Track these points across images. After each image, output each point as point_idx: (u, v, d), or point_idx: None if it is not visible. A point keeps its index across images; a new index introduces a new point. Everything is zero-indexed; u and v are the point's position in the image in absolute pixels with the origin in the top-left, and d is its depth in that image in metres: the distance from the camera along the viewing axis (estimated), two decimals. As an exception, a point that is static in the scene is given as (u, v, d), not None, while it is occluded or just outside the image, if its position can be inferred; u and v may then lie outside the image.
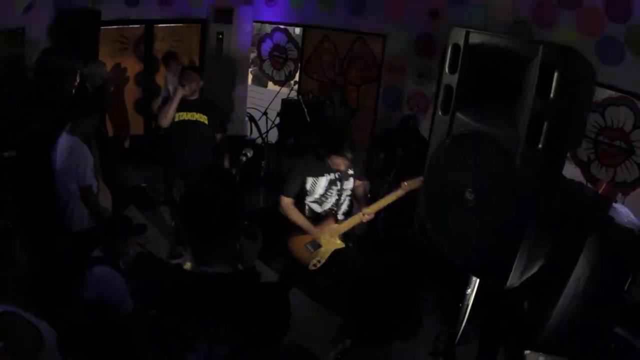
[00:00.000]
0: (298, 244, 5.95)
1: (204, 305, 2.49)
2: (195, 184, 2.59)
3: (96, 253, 5.00)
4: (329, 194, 5.85)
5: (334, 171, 5.74)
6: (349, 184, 5.89)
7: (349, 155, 5.55)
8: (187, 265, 2.57)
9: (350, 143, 5.61)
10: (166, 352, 2.54)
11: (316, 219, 5.91)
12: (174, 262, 6.34)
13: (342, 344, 3.34)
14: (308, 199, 5.90)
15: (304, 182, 5.81)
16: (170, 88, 9.44)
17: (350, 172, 5.84)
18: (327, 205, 5.90)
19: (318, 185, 5.80)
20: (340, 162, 5.60)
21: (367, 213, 5.82)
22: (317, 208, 5.94)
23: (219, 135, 7.10)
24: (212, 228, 2.53)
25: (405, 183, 5.77)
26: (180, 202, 2.55)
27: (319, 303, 6.82)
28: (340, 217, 5.96)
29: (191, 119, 6.89)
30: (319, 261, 5.91)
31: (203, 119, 6.91)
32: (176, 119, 6.83)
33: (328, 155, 5.59)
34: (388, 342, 2.60)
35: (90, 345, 3.77)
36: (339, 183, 5.79)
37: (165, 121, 6.83)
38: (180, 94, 6.74)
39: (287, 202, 5.82)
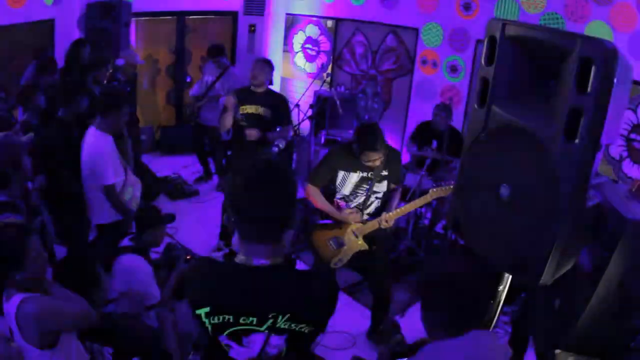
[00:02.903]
0: (321, 239, 5.89)
1: (259, 298, 2.49)
2: (247, 175, 2.53)
3: (124, 242, 5.04)
4: (358, 192, 5.74)
5: (368, 169, 5.62)
6: (381, 186, 5.75)
7: (381, 151, 5.42)
8: (239, 259, 2.55)
9: (382, 139, 5.49)
10: (220, 349, 2.55)
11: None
12: (215, 254, 6.36)
13: (392, 339, 3.35)
14: (337, 196, 5.81)
15: (334, 175, 5.70)
16: (207, 78, 9.46)
17: (384, 173, 5.69)
18: (353, 204, 5.80)
19: (348, 180, 5.69)
20: (374, 158, 5.45)
21: (387, 219, 5.67)
22: (343, 206, 5.85)
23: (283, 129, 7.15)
24: (266, 219, 2.51)
25: (433, 190, 5.70)
26: (233, 195, 2.52)
27: (347, 294, 6.83)
28: (365, 216, 5.83)
29: (254, 112, 6.94)
30: (340, 260, 5.83)
31: (265, 112, 6.96)
32: (241, 112, 6.88)
33: (360, 153, 5.46)
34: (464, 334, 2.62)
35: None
36: (370, 183, 5.67)
37: (224, 128, 6.86)
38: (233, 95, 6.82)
39: (313, 189, 5.71)
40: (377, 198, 5.79)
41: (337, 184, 5.74)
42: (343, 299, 6.60)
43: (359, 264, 5.97)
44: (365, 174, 5.65)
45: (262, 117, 6.97)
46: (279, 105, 7.15)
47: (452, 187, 5.42)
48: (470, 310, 2.66)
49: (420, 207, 5.79)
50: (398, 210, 5.72)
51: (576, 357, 3.45)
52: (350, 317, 6.27)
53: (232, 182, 2.51)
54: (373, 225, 5.73)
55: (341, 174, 5.69)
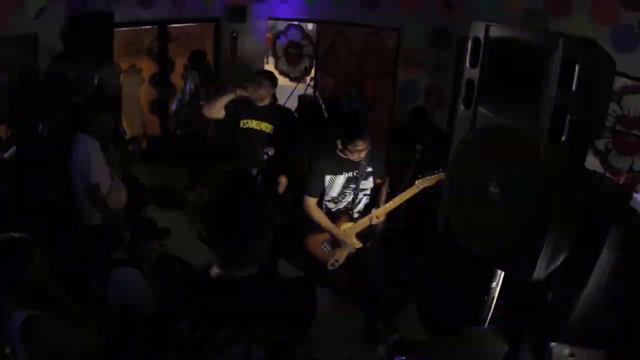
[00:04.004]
0: (314, 242, 5.92)
1: (237, 309, 2.51)
2: (219, 188, 2.57)
3: (118, 255, 5.04)
4: (345, 192, 5.78)
5: (352, 169, 5.65)
6: (368, 183, 5.80)
7: (367, 139, 5.45)
8: (214, 271, 2.58)
9: (366, 130, 5.53)
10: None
11: (331, 217, 5.84)
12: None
13: (390, 338, 3.39)
14: (325, 198, 5.84)
15: (323, 182, 5.73)
16: (190, 86, 9.44)
17: (369, 169, 5.73)
18: (342, 204, 5.84)
19: (335, 183, 5.73)
20: (359, 149, 5.46)
21: (377, 215, 5.70)
22: (332, 206, 5.89)
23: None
24: (241, 233, 2.54)
25: (419, 181, 5.68)
26: (206, 209, 2.55)
27: (340, 298, 6.83)
28: (355, 215, 5.87)
29: (256, 127, 6.64)
30: (336, 261, 5.84)
31: (269, 129, 6.62)
32: (241, 126, 6.64)
33: (346, 144, 5.47)
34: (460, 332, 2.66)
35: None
36: (356, 182, 5.71)
37: (209, 112, 6.66)
38: (238, 93, 6.51)
39: (312, 203, 5.76)
40: (365, 195, 5.85)
41: (325, 187, 5.77)
42: (336, 299, 6.66)
43: (354, 262, 5.96)
44: (350, 174, 5.69)
45: (266, 133, 6.61)
46: (284, 120, 6.81)
47: (437, 176, 5.56)
48: (465, 309, 2.70)
49: (409, 199, 5.77)
50: (386, 205, 5.75)
51: (572, 349, 3.49)
52: (343, 317, 6.27)
53: (201, 196, 2.56)
54: (364, 222, 5.76)
55: (328, 177, 5.72)
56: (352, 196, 5.79)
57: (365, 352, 5.78)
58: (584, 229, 3.13)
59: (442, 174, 5.52)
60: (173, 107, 9.89)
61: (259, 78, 6.75)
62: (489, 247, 3.14)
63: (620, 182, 3.75)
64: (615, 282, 3.32)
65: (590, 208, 3.31)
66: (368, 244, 5.87)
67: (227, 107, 6.57)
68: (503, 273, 3.53)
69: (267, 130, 6.61)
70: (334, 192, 5.78)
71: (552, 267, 2.98)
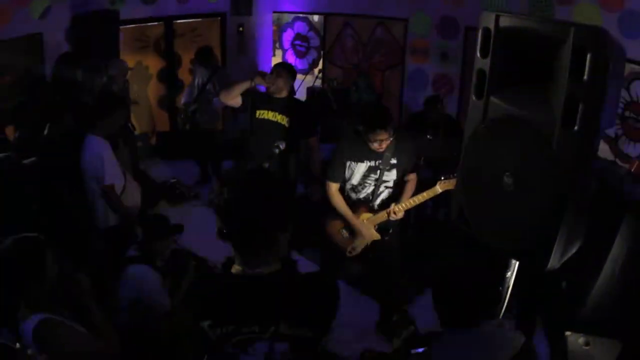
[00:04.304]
0: (334, 228, 5.91)
1: (259, 306, 2.52)
2: (238, 186, 2.56)
3: (131, 253, 5.05)
4: (366, 182, 5.72)
5: (375, 158, 5.59)
6: (391, 175, 5.70)
7: (389, 130, 5.36)
8: (235, 269, 2.58)
9: (391, 120, 5.48)
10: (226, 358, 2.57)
11: (351, 206, 5.79)
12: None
13: (405, 331, 3.38)
14: (347, 186, 5.80)
15: (345, 167, 5.69)
16: (198, 81, 9.45)
17: (393, 161, 5.63)
18: (363, 194, 5.80)
19: (357, 170, 5.67)
20: (382, 137, 5.38)
21: (395, 211, 5.68)
22: (353, 195, 5.84)
23: (309, 140, 6.85)
24: (263, 230, 2.54)
25: (441, 183, 5.64)
26: (227, 206, 2.54)
27: (355, 288, 6.84)
28: (376, 207, 5.83)
29: (272, 119, 6.62)
30: (354, 249, 5.83)
31: (284, 121, 6.61)
32: (257, 116, 6.64)
33: (368, 132, 5.39)
34: (477, 325, 2.65)
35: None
36: (378, 172, 5.64)
37: (226, 98, 6.64)
38: (256, 81, 6.51)
39: (333, 188, 5.72)
40: (387, 188, 5.78)
41: (345, 174, 5.73)
42: (351, 291, 6.66)
43: (371, 254, 5.96)
44: (373, 163, 5.62)
45: (281, 125, 6.58)
46: (302, 113, 6.77)
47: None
48: (481, 302, 2.69)
49: (429, 199, 5.75)
50: (406, 202, 5.70)
51: (586, 338, 3.49)
52: (359, 310, 6.27)
53: (219, 193, 2.54)
54: (383, 216, 5.74)
55: (349, 164, 5.67)
56: (373, 187, 5.74)
57: (381, 344, 5.79)
58: (597, 218, 3.12)
59: None
60: (182, 100, 9.88)
61: (278, 69, 6.72)
62: (503, 237, 3.14)
63: (632, 170, 3.73)
64: (628, 270, 3.32)
65: (603, 197, 3.31)
66: (386, 237, 5.86)
67: (244, 96, 6.58)
68: (517, 263, 3.52)
69: (283, 123, 6.57)
70: (354, 179, 5.73)
71: (566, 256, 2.99)
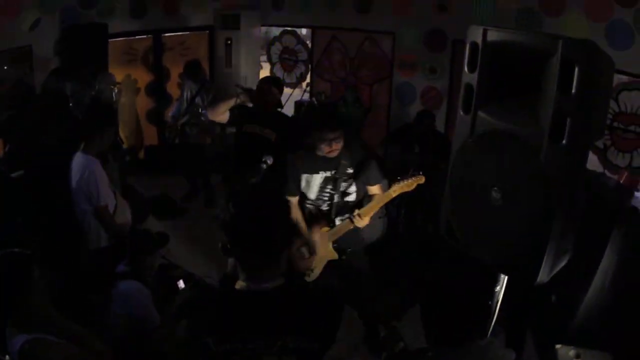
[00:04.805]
0: (295, 246, 5.43)
1: (265, 321, 2.55)
2: (244, 202, 2.60)
3: (120, 268, 5.02)
4: (324, 194, 5.55)
5: (330, 168, 5.41)
6: (350, 186, 5.52)
7: (337, 130, 5.20)
8: (240, 285, 2.60)
9: (340, 121, 5.39)
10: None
11: (311, 221, 5.57)
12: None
13: (395, 347, 3.36)
14: (306, 201, 5.64)
15: (300, 180, 5.52)
16: (186, 95, 9.44)
17: (350, 171, 5.44)
18: (323, 207, 5.61)
19: (312, 183, 5.51)
20: (329, 138, 5.19)
21: (359, 214, 5.37)
22: (312, 209, 5.66)
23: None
24: (268, 247, 2.58)
25: (396, 186, 5.37)
26: (232, 223, 2.56)
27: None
28: (337, 221, 5.58)
29: (258, 133, 6.54)
30: (311, 270, 5.55)
31: (271, 135, 6.49)
32: (243, 130, 6.61)
33: (316, 136, 5.24)
34: (470, 341, 2.64)
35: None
36: (334, 183, 5.45)
37: (213, 115, 6.67)
38: (241, 98, 6.55)
39: (293, 202, 5.49)
40: (347, 202, 5.57)
41: (302, 188, 5.56)
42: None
43: (336, 277, 5.69)
44: (328, 174, 5.45)
45: (268, 140, 6.47)
46: (286, 127, 6.69)
47: (416, 179, 5.32)
48: (471, 319, 2.68)
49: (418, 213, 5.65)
50: (369, 205, 5.43)
51: (577, 351, 3.48)
52: (349, 324, 6.25)
53: (226, 210, 2.56)
54: (346, 226, 5.47)
55: (304, 177, 5.51)
56: (331, 199, 5.54)
57: (371, 358, 5.77)
58: (586, 230, 3.12)
59: (421, 177, 5.35)
60: (170, 113, 9.87)
61: (263, 84, 6.77)
62: (492, 252, 3.13)
63: (621, 182, 3.74)
64: (618, 282, 3.32)
65: (593, 209, 3.31)
66: (343, 257, 5.66)
67: (231, 111, 6.57)
68: (507, 277, 3.52)
69: (270, 137, 6.51)
70: (312, 193, 5.56)
71: (556, 269, 2.98)
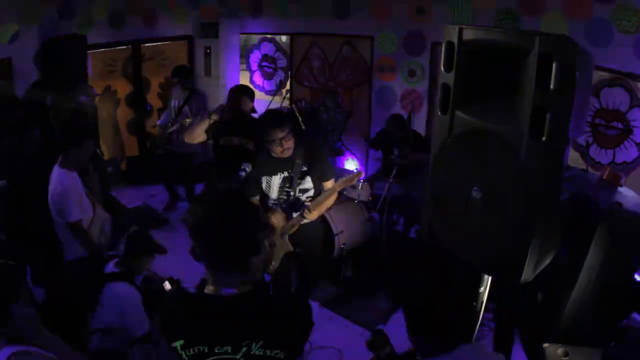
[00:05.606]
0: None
1: (232, 327, 2.52)
2: (211, 205, 2.57)
3: (110, 267, 5.00)
4: (284, 195, 5.73)
5: (286, 168, 5.62)
6: (307, 183, 5.74)
7: (285, 129, 5.39)
8: (209, 289, 2.57)
9: (288, 121, 5.54)
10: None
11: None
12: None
13: (383, 350, 3.34)
14: (269, 201, 5.82)
15: (260, 182, 5.74)
16: (174, 102, 9.36)
17: (304, 168, 5.67)
18: (284, 206, 5.79)
19: (272, 184, 5.71)
20: (280, 139, 5.40)
21: (309, 209, 5.64)
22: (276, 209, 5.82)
23: None
24: (234, 250, 2.56)
25: (339, 181, 5.67)
26: (199, 226, 2.53)
27: (330, 309, 6.80)
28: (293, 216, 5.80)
29: (236, 143, 6.75)
30: (272, 264, 5.78)
31: (249, 144, 6.71)
32: (221, 143, 6.76)
33: (266, 137, 5.44)
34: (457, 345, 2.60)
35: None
36: (291, 181, 5.66)
37: (190, 139, 6.83)
38: (213, 118, 6.73)
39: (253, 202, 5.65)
40: (307, 197, 5.79)
41: (264, 189, 5.77)
42: (325, 313, 6.62)
43: (294, 269, 6.04)
44: (285, 174, 5.67)
45: (245, 149, 6.69)
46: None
47: (355, 175, 5.61)
48: (457, 324, 2.64)
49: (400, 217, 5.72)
50: (317, 199, 5.70)
51: (565, 348, 3.47)
52: (334, 331, 6.24)
53: (193, 213, 2.54)
54: (298, 220, 5.72)
55: (264, 179, 5.72)
56: (289, 196, 5.73)
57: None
58: (570, 227, 3.11)
59: (360, 171, 5.67)
60: (158, 122, 9.82)
61: (232, 96, 6.89)
62: (474, 253, 3.11)
63: (604, 178, 3.72)
64: (604, 278, 3.30)
65: (576, 205, 3.30)
66: (297, 250, 5.86)
67: (207, 132, 6.75)
68: (490, 277, 3.50)
69: (248, 146, 6.67)
70: (273, 194, 5.76)
71: (540, 267, 2.96)
